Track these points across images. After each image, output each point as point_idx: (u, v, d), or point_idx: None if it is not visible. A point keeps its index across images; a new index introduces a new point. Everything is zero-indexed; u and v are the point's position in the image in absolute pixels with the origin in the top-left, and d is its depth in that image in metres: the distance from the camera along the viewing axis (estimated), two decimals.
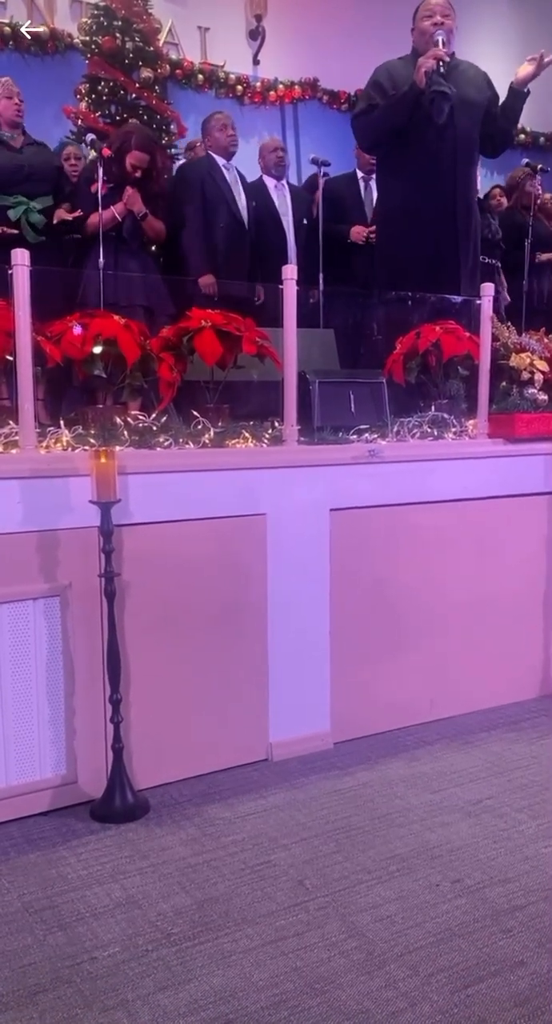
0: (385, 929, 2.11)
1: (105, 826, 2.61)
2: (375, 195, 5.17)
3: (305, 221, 5.35)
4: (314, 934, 2.10)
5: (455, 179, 4.06)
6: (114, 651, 2.59)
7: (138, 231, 4.69)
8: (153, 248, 4.96)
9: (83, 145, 6.00)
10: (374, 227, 4.83)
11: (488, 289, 3.37)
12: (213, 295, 4.64)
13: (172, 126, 6.42)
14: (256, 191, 5.27)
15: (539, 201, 5.70)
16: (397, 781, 2.92)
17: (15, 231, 4.56)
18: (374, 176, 5.24)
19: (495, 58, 9.38)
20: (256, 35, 7.82)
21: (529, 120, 9.54)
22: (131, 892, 2.28)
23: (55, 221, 4.69)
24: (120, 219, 4.60)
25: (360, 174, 5.42)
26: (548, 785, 2.88)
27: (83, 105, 6.25)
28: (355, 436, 3.14)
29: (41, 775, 2.64)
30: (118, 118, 6.06)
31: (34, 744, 2.63)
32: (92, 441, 2.61)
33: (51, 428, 2.64)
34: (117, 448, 2.59)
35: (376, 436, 3.17)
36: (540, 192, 5.88)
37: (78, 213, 4.66)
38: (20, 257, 2.40)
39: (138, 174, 4.63)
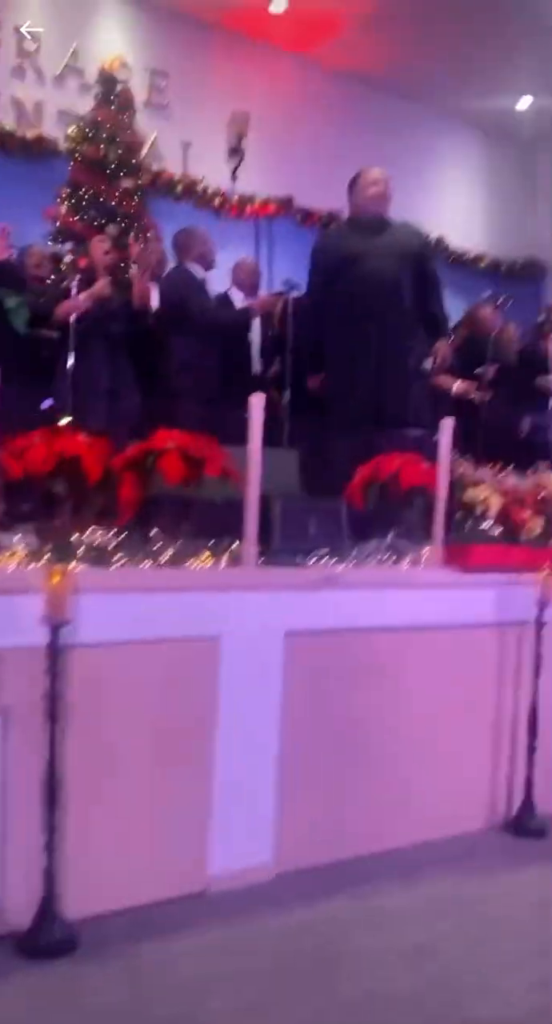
0: None
1: (32, 962, 2.47)
2: None
3: (269, 333, 5.52)
4: None
5: (384, 324, 4.36)
6: (53, 776, 2.50)
7: (106, 321, 4.81)
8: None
9: (57, 244, 6.18)
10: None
11: (447, 423, 3.46)
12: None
13: (149, 234, 6.61)
14: (224, 304, 5.43)
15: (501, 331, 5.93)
16: (340, 920, 2.83)
17: None
18: None
19: (462, 195, 9.92)
20: (236, 152, 8.14)
21: (491, 246, 10.01)
22: None
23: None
24: (90, 304, 4.73)
25: None
26: (492, 932, 2.82)
27: (63, 208, 6.42)
28: (313, 559, 3.15)
29: None
30: (96, 223, 6.23)
31: None
32: (47, 558, 2.58)
33: (5, 543, 2.60)
34: (73, 565, 2.56)
35: (334, 560, 3.18)
36: (499, 322, 6.11)
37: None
38: None
39: (106, 255, 4.99)
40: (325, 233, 4.73)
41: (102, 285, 4.82)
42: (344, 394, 4.46)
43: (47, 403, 4.81)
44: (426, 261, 4.62)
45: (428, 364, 4.97)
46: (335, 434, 4.39)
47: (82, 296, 4.71)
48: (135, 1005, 2.32)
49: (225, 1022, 2.26)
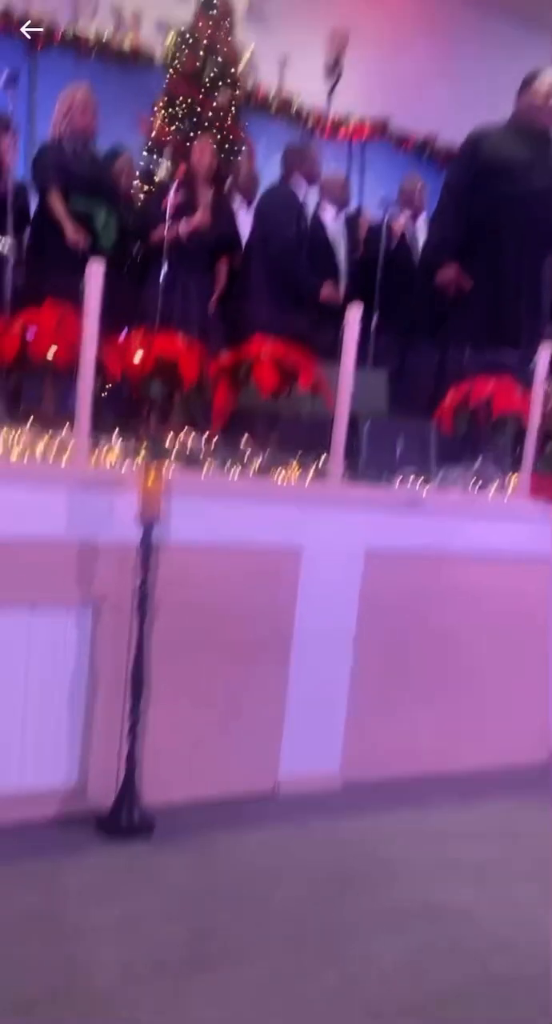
0: (381, 985, 2.10)
1: (110, 840, 2.60)
2: (420, 235, 5.45)
3: (354, 255, 5.45)
4: (310, 981, 2.08)
5: (531, 242, 4.17)
6: (139, 667, 2.60)
7: (200, 251, 4.82)
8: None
9: (151, 157, 6.14)
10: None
11: (545, 349, 3.37)
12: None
13: (242, 148, 6.50)
14: (314, 219, 5.40)
15: None
16: (403, 832, 2.90)
17: None
18: (421, 218, 5.55)
19: None
20: (333, 71, 7.90)
21: None
22: (131, 913, 2.27)
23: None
24: (185, 238, 4.75)
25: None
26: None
27: (158, 119, 6.34)
28: (399, 479, 3.15)
29: (53, 782, 2.65)
30: (191, 135, 6.14)
31: (49, 750, 2.63)
32: (142, 458, 2.63)
33: (103, 440, 2.66)
34: (165, 467, 2.61)
35: (420, 482, 3.17)
36: None
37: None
38: (95, 271, 2.44)
39: (206, 163, 4.99)
40: (484, 128, 4.31)
41: (202, 217, 4.83)
42: (465, 304, 4.29)
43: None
44: None
45: None
46: (426, 353, 4.28)
47: (181, 227, 4.73)
48: (206, 887, 2.43)
49: (288, 911, 2.36)
